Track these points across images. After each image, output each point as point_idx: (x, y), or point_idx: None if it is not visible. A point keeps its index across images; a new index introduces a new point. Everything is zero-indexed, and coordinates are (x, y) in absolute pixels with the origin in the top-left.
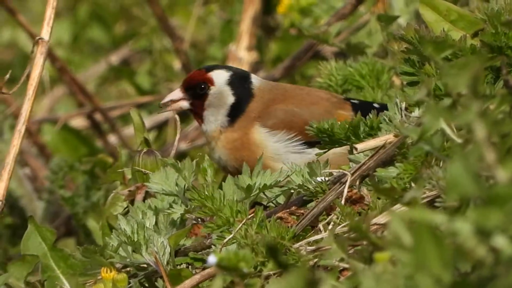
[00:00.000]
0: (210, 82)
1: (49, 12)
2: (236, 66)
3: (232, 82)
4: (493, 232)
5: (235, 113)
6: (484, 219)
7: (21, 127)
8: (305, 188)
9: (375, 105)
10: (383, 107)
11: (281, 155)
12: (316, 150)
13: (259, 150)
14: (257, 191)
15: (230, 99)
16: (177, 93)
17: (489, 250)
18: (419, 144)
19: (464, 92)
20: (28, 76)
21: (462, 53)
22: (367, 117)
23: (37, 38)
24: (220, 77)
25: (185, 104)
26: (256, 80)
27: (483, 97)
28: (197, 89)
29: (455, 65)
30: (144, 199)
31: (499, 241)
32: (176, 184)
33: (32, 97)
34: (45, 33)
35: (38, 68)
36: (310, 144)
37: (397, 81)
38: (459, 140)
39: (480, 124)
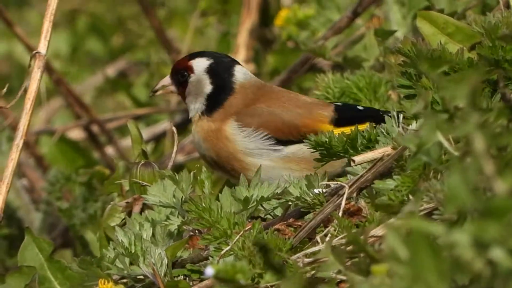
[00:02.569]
0: (190, 69)
1: (46, 26)
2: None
3: (211, 71)
4: (491, 245)
5: (212, 103)
6: (482, 231)
7: (19, 141)
8: (303, 200)
9: (359, 107)
10: (368, 110)
11: (252, 150)
12: (288, 148)
13: (230, 144)
14: (255, 203)
15: (208, 88)
16: (166, 80)
17: (486, 262)
18: (418, 155)
19: (462, 105)
20: (25, 90)
21: (459, 66)
22: (365, 129)
23: (34, 52)
24: (200, 65)
25: (173, 88)
26: (241, 73)
27: (481, 110)
28: (180, 76)
29: (453, 78)
30: (141, 211)
31: (497, 253)
32: (174, 196)
33: (30, 111)
34: (42, 47)
35: (36, 82)
36: (282, 141)
37: (394, 94)
38: (456, 153)
39: (479, 136)
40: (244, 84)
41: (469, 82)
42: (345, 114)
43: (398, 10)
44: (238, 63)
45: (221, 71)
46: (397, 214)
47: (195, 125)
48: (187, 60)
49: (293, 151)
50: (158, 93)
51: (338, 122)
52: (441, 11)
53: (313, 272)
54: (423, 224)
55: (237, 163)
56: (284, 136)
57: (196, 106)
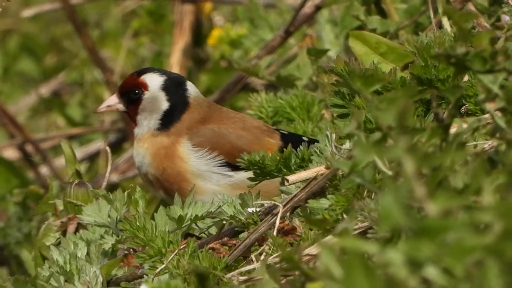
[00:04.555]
0: (144, 86)
1: None
2: None
3: (166, 88)
4: (424, 263)
5: (168, 119)
6: (416, 250)
7: None
8: (237, 219)
9: (304, 138)
10: (312, 141)
11: (203, 173)
12: (238, 174)
13: (181, 163)
14: (189, 222)
15: (164, 104)
16: (113, 99)
17: (420, 281)
18: (351, 176)
19: (394, 125)
20: None
21: (392, 86)
22: (298, 149)
23: None
24: (154, 82)
25: (121, 107)
26: (192, 88)
27: (412, 131)
28: (131, 94)
29: (384, 99)
30: (76, 231)
31: (431, 272)
32: (109, 216)
33: None
34: None
35: None
36: (233, 167)
37: (327, 113)
38: (390, 173)
39: (409, 159)
40: (197, 99)
41: (399, 103)
42: (293, 145)
43: (331, 30)
44: (186, 80)
45: (176, 87)
46: (331, 231)
47: (143, 142)
48: (137, 77)
49: (242, 178)
50: (103, 111)
51: None
52: (374, 30)
53: None
54: (357, 242)
55: (185, 183)
56: (234, 160)
57: (150, 123)
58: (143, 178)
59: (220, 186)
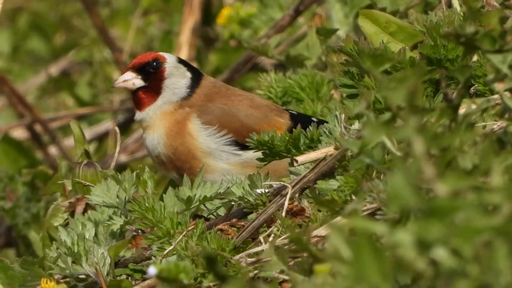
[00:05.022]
0: (162, 58)
1: None
2: None
3: (182, 61)
4: (433, 244)
5: (190, 89)
6: (425, 231)
7: None
8: (246, 200)
9: (314, 119)
10: (321, 122)
11: (213, 151)
12: (247, 153)
13: (192, 140)
14: (197, 203)
15: (188, 73)
16: (129, 74)
17: (429, 262)
18: (360, 157)
19: (403, 105)
20: None
21: (401, 66)
22: (307, 129)
23: None
24: (169, 57)
25: (138, 82)
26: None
27: (422, 111)
28: (150, 67)
29: (394, 78)
30: (84, 211)
31: (439, 253)
32: (117, 196)
33: None
34: None
35: None
36: (241, 145)
37: (336, 93)
38: (399, 153)
39: (419, 139)
40: (205, 76)
41: (408, 83)
42: (302, 125)
43: (340, 9)
44: None
45: (187, 63)
46: (340, 212)
47: (159, 119)
48: (152, 52)
49: (251, 156)
50: (120, 86)
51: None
52: (383, 9)
53: (256, 272)
54: (366, 223)
55: (196, 162)
56: (243, 139)
57: (181, 86)
58: (155, 159)
59: (230, 164)
